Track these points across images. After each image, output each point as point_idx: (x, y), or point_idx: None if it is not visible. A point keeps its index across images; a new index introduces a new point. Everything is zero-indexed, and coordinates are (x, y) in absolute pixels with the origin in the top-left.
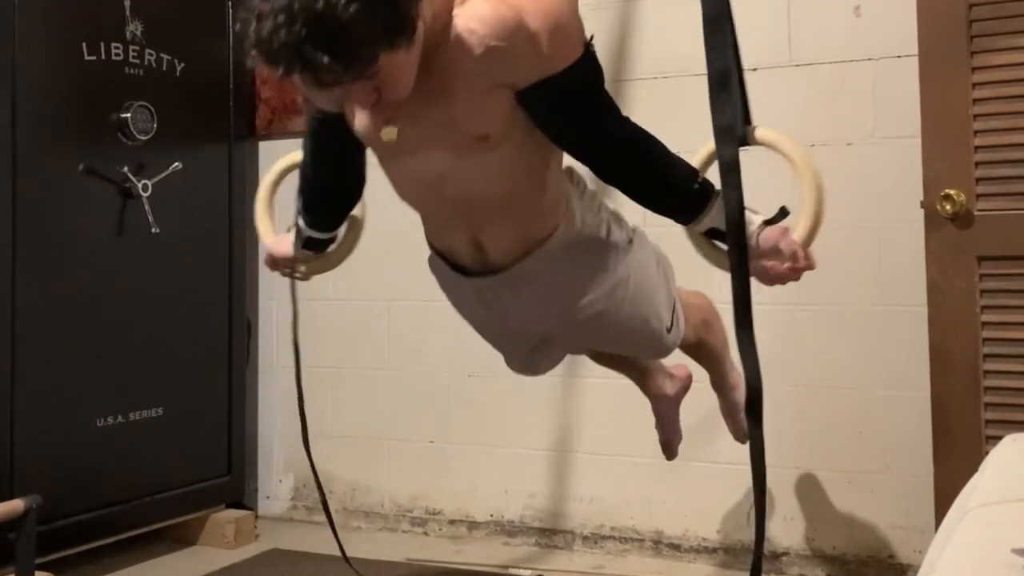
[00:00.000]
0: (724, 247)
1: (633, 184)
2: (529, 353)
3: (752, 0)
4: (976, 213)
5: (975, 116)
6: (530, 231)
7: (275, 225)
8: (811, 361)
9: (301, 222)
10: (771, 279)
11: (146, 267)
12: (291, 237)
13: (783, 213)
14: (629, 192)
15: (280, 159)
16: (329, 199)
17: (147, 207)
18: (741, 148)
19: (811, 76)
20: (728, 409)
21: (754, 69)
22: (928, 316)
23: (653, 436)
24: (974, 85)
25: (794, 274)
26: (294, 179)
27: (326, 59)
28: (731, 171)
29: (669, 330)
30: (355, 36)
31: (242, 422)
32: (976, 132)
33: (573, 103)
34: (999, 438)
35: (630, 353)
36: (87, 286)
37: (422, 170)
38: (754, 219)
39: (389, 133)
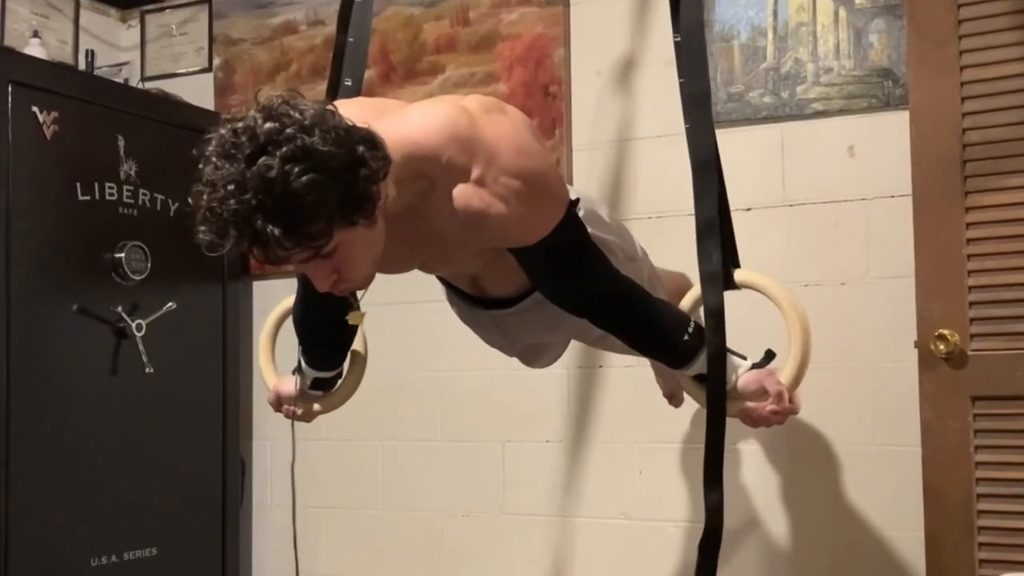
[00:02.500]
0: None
1: (621, 334)
2: (535, 352)
3: (746, 140)
4: (970, 353)
5: (969, 256)
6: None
7: (277, 367)
8: (804, 503)
9: (303, 363)
10: (755, 421)
11: (140, 407)
12: (295, 378)
13: (769, 356)
14: (619, 338)
15: (282, 301)
16: (323, 339)
17: (141, 347)
18: (728, 291)
19: (805, 216)
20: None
21: (748, 209)
22: (922, 456)
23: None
24: (968, 225)
25: (778, 417)
26: None
27: (277, 232)
28: (715, 316)
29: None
30: (308, 209)
31: (236, 562)
32: (970, 272)
33: (554, 264)
34: None
35: None
36: (81, 425)
37: (411, 265)
38: (741, 363)
39: (355, 318)
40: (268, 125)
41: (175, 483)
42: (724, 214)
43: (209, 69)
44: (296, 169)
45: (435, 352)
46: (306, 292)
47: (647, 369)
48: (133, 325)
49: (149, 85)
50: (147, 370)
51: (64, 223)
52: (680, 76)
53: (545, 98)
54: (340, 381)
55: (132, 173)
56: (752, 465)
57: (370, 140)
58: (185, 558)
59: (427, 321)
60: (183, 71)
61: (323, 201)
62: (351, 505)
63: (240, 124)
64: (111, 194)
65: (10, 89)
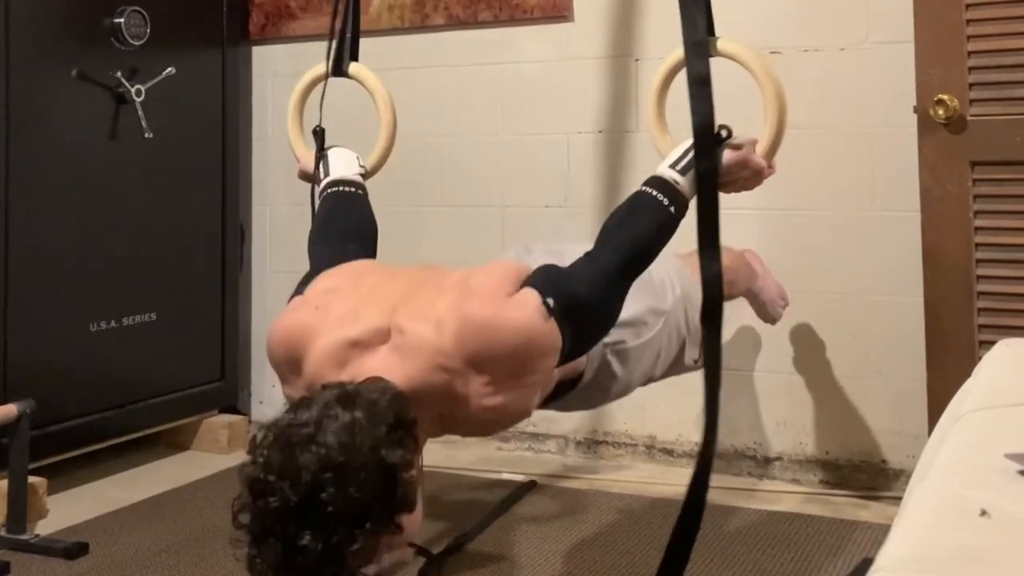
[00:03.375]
0: None
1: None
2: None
3: None
4: (969, 118)
5: (968, 21)
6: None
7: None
8: (804, 266)
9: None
10: (731, 189)
11: (139, 172)
12: (320, 168)
13: (727, 135)
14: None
15: (310, 70)
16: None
17: (140, 112)
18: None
19: None
20: (755, 305)
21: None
22: (921, 221)
23: None
24: None
25: (754, 181)
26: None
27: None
28: (701, 83)
29: (696, 362)
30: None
31: (235, 327)
32: (969, 37)
33: (582, 340)
34: (992, 343)
35: None
36: (80, 191)
37: None
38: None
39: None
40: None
41: (174, 248)
42: None
43: None
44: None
45: (434, 117)
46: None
47: (645, 135)
48: (132, 90)
49: None
50: (146, 135)
51: None
52: None
53: None
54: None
55: None
56: (751, 229)
57: (402, 424)
58: (184, 323)
59: (426, 87)
60: None
61: (373, 542)
62: None
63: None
64: None
65: None
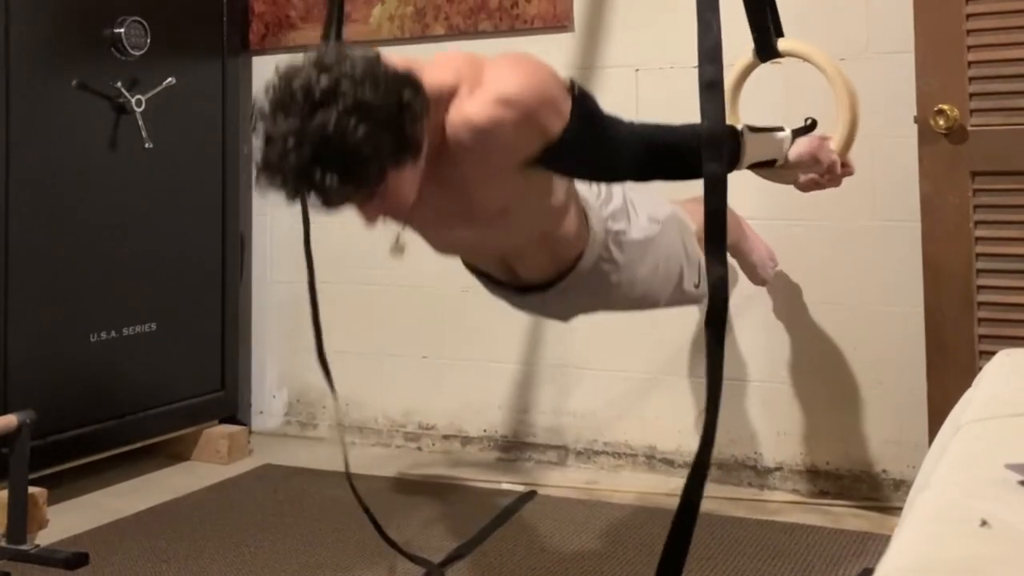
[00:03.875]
0: (775, 169)
1: (671, 177)
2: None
3: None
4: (970, 128)
5: (969, 31)
6: (559, 257)
7: None
8: (805, 276)
9: None
10: (809, 188)
11: (140, 182)
12: None
13: (812, 124)
14: (670, 180)
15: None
16: None
17: (140, 122)
18: (773, 60)
19: None
20: (745, 266)
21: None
22: (921, 231)
23: (645, 351)
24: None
25: (833, 182)
26: None
27: (335, 181)
28: (711, 87)
29: (697, 286)
30: (363, 158)
31: (235, 337)
32: (970, 47)
33: (581, 150)
34: (992, 353)
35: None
36: (81, 201)
37: (449, 240)
38: (785, 135)
39: (397, 251)
40: (323, 80)
41: (175, 258)
42: None
43: None
44: (351, 122)
45: None
46: None
47: None
48: (133, 100)
49: None
50: (147, 145)
51: None
52: None
53: None
54: None
55: None
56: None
57: (414, 84)
58: (184, 333)
59: None
60: None
61: (377, 150)
62: (352, 280)
63: (296, 81)
64: None
65: None
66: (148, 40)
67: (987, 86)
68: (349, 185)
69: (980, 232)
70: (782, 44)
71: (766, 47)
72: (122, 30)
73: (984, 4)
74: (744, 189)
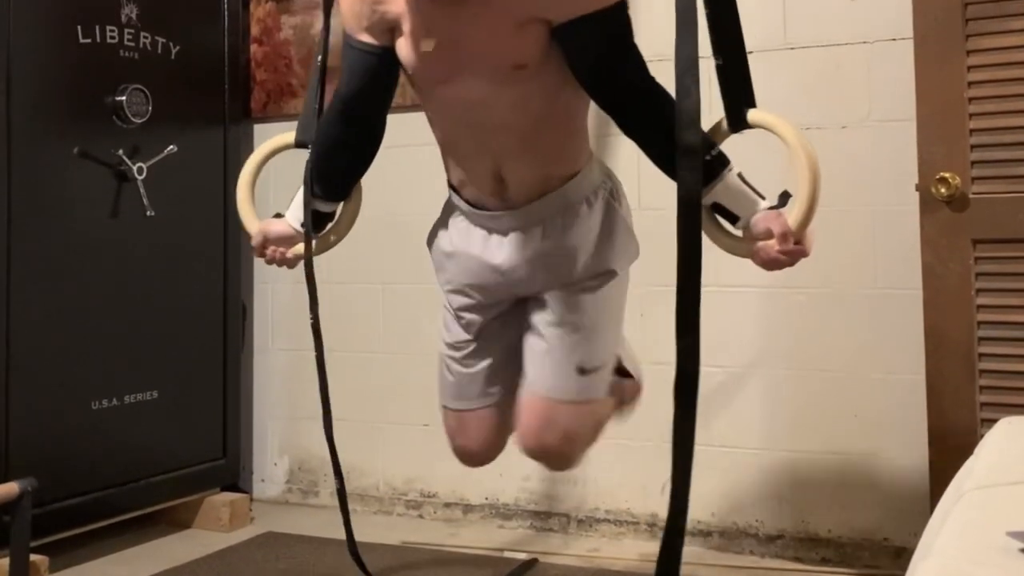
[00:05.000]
0: (727, 226)
1: (649, 137)
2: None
3: None
4: (971, 196)
5: (970, 99)
6: (551, 169)
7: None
8: (806, 344)
9: (313, 194)
10: (764, 263)
11: (141, 250)
12: (286, 219)
13: (784, 198)
14: (645, 145)
15: (261, 145)
16: (349, 154)
17: (142, 190)
18: (740, 131)
19: (806, 59)
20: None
21: (750, 52)
22: (923, 299)
23: (648, 418)
24: (969, 68)
25: (787, 258)
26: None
27: None
28: (690, 154)
29: (597, 370)
30: None
31: (237, 405)
32: (971, 115)
33: (604, 45)
34: (994, 421)
35: (563, 374)
36: (82, 269)
37: (458, 96)
38: (758, 202)
39: (427, 44)
40: None
41: (176, 326)
42: (738, 50)
43: None
44: None
45: (435, 194)
46: (356, 80)
47: (648, 212)
48: (134, 168)
49: None
50: (148, 213)
51: (65, 66)
52: None
53: None
54: (332, 223)
55: (133, 16)
56: (753, 307)
57: None
58: (186, 401)
59: (427, 163)
60: None
61: None
62: (352, 347)
63: None
64: (112, 37)
65: None
66: (150, 108)
67: (988, 154)
68: None
69: (982, 300)
70: (751, 115)
71: (736, 117)
72: (124, 98)
73: (985, 72)
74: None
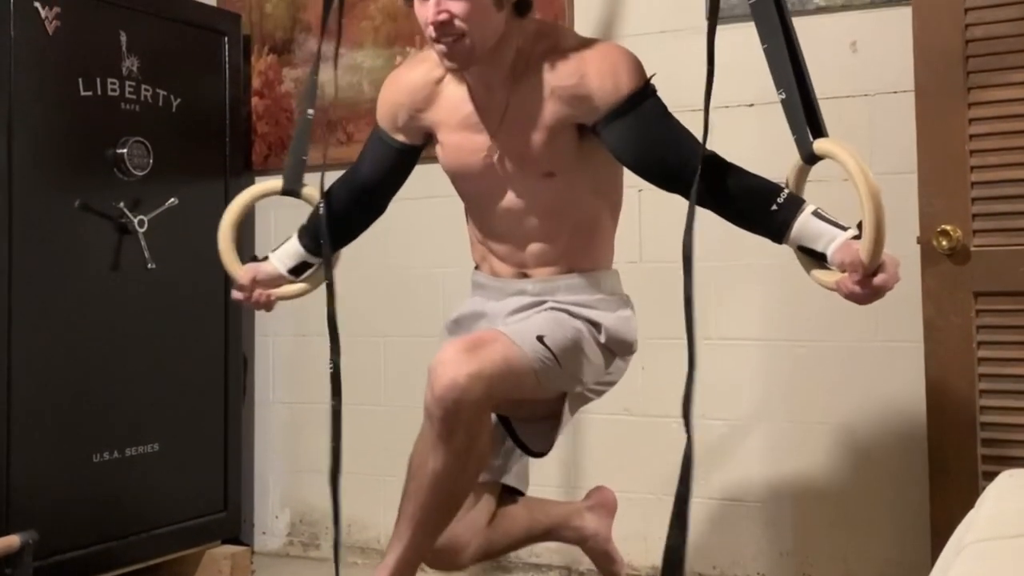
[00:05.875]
0: (820, 262)
1: (717, 200)
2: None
3: (748, 35)
4: (972, 249)
5: (971, 152)
6: (572, 262)
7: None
8: (807, 397)
9: (300, 245)
10: (846, 297)
11: (142, 302)
12: (271, 263)
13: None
14: (715, 208)
15: (242, 192)
16: (351, 225)
17: (143, 243)
18: (813, 163)
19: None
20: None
21: (751, 104)
22: (924, 352)
23: (649, 471)
24: (970, 121)
25: (864, 290)
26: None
27: None
28: (685, 260)
29: (553, 357)
30: None
31: (238, 457)
32: (973, 168)
33: (646, 125)
34: (995, 474)
35: (520, 328)
36: (83, 321)
37: (491, 197)
38: (838, 234)
39: (491, 151)
40: None
41: (177, 378)
42: (799, 82)
43: None
44: None
45: (434, 248)
46: (378, 164)
47: (648, 265)
48: (135, 221)
49: None
50: (149, 266)
51: (66, 119)
52: None
53: None
54: (311, 271)
55: (134, 69)
56: (754, 360)
57: None
58: (187, 453)
59: (426, 217)
60: None
61: None
62: (353, 400)
63: None
64: (113, 90)
65: None
66: (151, 160)
67: (990, 206)
68: None
69: (983, 353)
70: (816, 146)
71: (805, 150)
72: (125, 150)
73: (987, 124)
74: (746, 310)
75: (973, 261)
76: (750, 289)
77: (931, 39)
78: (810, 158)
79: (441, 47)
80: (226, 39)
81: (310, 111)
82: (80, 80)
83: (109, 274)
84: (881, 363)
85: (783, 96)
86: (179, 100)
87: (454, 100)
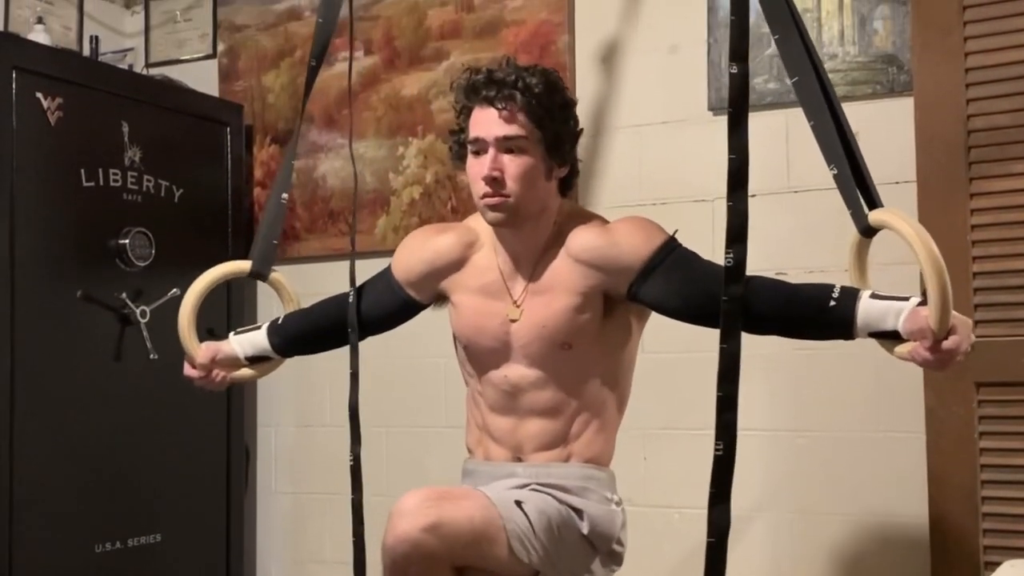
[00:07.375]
0: (898, 340)
1: (779, 324)
2: None
3: (751, 126)
4: (975, 339)
5: (973, 243)
6: (569, 447)
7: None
8: (809, 488)
9: (267, 342)
10: (921, 364)
11: (144, 393)
12: (232, 345)
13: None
14: (778, 330)
15: (207, 272)
16: (327, 344)
17: (145, 333)
18: (871, 235)
19: (810, 202)
20: None
21: (753, 195)
22: (926, 442)
23: (648, 562)
24: (972, 212)
25: (936, 356)
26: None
27: (536, 85)
28: (730, 316)
29: (526, 526)
30: (557, 90)
31: (240, 548)
32: (974, 258)
33: (686, 267)
34: (998, 564)
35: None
36: (85, 412)
37: (501, 362)
38: (904, 306)
39: (513, 313)
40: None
41: (179, 469)
42: (849, 156)
43: (213, 55)
44: (550, 79)
45: (437, 338)
46: (377, 306)
47: (650, 355)
48: (137, 311)
49: (153, 71)
50: (151, 356)
51: (68, 209)
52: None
53: None
54: (268, 363)
55: (136, 159)
56: (756, 450)
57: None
58: (189, 544)
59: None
60: (187, 57)
61: (565, 109)
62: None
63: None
64: (115, 180)
65: (14, 75)
66: (153, 251)
67: (991, 297)
68: (539, 99)
69: (985, 443)
70: (871, 217)
71: (860, 223)
72: (127, 241)
73: (989, 215)
74: (748, 401)
75: (975, 351)
76: (751, 379)
77: (933, 130)
78: (867, 231)
79: (488, 200)
80: (228, 129)
81: (284, 195)
82: (82, 170)
83: (111, 364)
84: (883, 453)
85: (835, 171)
86: (181, 190)
87: (480, 267)
